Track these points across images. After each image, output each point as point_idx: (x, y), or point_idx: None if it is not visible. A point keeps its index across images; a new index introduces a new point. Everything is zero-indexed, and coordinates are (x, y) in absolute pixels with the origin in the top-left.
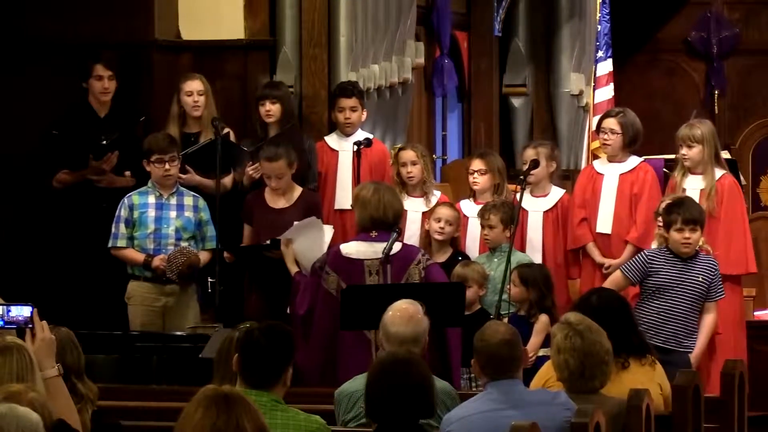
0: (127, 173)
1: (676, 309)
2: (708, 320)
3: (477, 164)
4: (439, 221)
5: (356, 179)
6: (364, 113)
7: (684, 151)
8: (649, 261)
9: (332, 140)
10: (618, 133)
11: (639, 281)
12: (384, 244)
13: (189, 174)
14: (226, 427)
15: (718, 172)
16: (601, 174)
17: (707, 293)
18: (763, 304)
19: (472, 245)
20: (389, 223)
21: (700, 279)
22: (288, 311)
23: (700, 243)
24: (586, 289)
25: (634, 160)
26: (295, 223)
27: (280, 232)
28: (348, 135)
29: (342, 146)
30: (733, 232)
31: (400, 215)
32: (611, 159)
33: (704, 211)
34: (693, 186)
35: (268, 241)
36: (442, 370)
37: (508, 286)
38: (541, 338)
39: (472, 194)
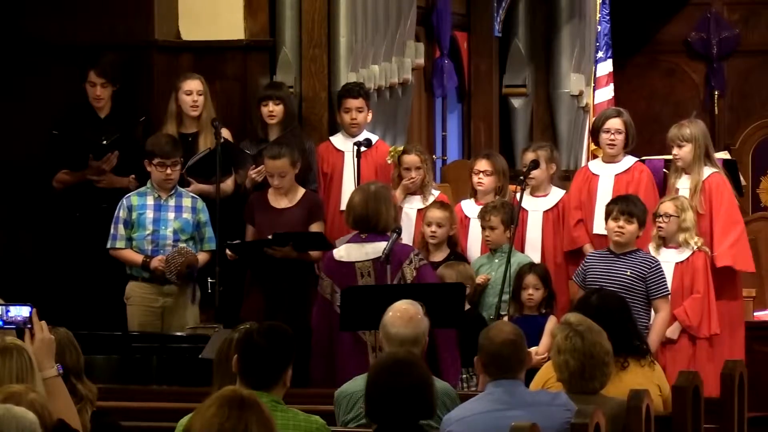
0: (132, 177)
1: None
2: (657, 320)
3: (483, 165)
4: (430, 225)
5: (357, 179)
6: (370, 114)
7: (675, 151)
8: (585, 262)
9: (338, 141)
10: (623, 132)
11: (581, 283)
12: (374, 245)
13: (192, 185)
14: (233, 429)
15: (707, 171)
16: (597, 175)
17: (647, 290)
18: (763, 305)
19: (474, 246)
20: (376, 229)
21: (628, 273)
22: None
23: (699, 244)
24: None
25: (629, 160)
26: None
27: (282, 231)
28: (353, 136)
29: (347, 147)
30: (720, 229)
31: (387, 222)
32: (608, 159)
33: (646, 211)
34: (684, 185)
35: (270, 236)
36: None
37: (530, 293)
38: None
39: (473, 194)
